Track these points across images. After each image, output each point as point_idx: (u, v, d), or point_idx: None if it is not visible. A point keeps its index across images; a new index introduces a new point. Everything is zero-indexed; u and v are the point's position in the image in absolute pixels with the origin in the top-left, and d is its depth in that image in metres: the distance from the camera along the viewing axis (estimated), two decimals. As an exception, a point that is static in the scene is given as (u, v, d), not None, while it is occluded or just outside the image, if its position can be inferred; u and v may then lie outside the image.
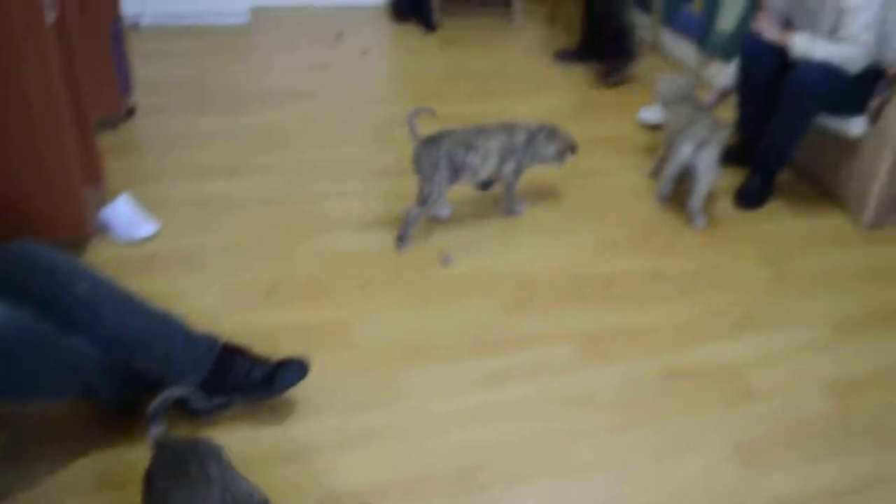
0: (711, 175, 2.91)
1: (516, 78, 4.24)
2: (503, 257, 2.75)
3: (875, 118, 3.02)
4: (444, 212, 2.91)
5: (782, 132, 3.05)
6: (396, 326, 2.39)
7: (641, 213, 3.09)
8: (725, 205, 3.19)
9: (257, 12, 4.77)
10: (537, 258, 2.76)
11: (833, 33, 2.90)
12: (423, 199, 2.65)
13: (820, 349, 2.44)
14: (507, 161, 2.77)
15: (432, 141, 2.61)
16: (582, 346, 2.36)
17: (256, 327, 2.29)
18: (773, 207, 3.20)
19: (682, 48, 4.52)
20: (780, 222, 3.11)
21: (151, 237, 2.67)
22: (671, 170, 3.01)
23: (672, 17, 4.58)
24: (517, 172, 2.85)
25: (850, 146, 3.13)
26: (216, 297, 2.43)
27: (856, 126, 3.04)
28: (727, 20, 4.10)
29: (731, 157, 3.37)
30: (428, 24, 4.70)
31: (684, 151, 2.91)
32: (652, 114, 3.67)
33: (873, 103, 2.99)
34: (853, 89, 2.96)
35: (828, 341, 2.49)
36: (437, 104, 2.84)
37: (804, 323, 2.56)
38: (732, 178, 3.31)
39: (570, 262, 2.76)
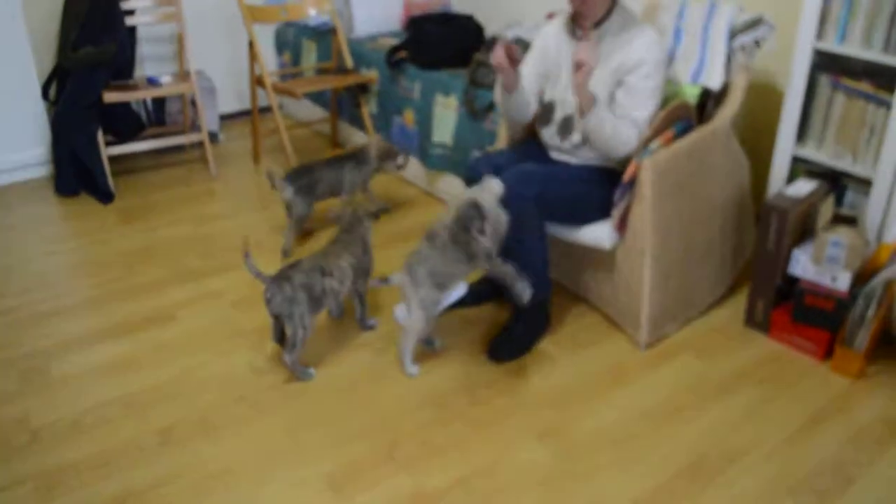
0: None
1: (225, 238, 3.26)
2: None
3: (621, 228, 2.38)
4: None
5: (516, 254, 2.33)
6: None
7: (378, 410, 2.23)
8: (482, 361, 2.40)
9: None
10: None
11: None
12: (292, 344, 2.24)
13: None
14: (360, 277, 2.45)
15: (283, 278, 2.21)
16: None
17: None
18: (547, 348, 2.46)
19: (408, 164, 3.79)
20: (552, 368, 2.37)
21: None
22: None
23: (389, 133, 3.86)
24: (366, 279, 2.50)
25: (609, 261, 2.49)
26: None
27: (606, 238, 2.41)
28: (442, 133, 3.42)
29: (481, 296, 2.63)
30: (102, 194, 3.61)
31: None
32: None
33: (615, 212, 2.36)
34: (583, 194, 2.37)
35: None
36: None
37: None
38: (493, 325, 2.56)
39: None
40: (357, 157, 3.15)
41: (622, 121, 2.28)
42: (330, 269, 2.32)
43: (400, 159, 3.16)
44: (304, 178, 3.00)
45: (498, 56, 2.24)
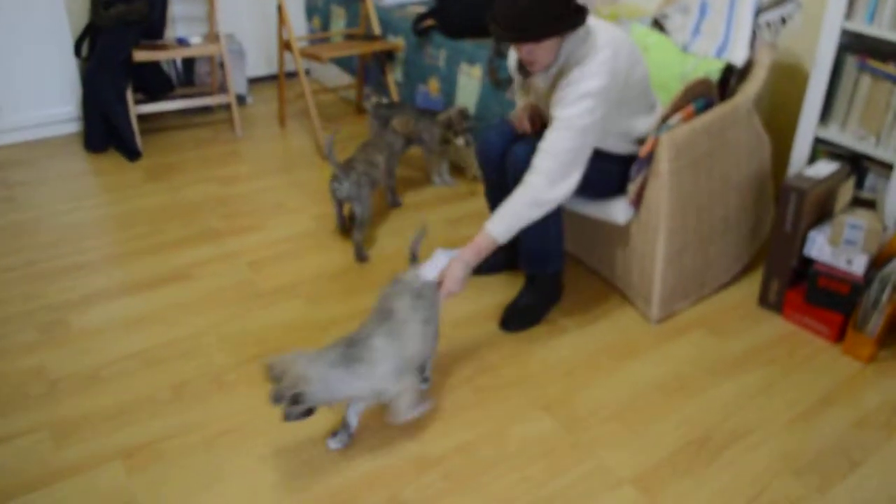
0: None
1: (247, 199, 3.24)
2: None
3: (637, 203, 2.31)
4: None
5: (531, 225, 2.26)
6: None
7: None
8: (490, 328, 2.36)
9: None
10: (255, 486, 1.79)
11: None
12: (361, 222, 2.67)
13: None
14: (391, 162, 2.95)
15: (349, 168, 2.66)
16: None
17: None
18: (558, 319, 2.41)
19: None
20: (561, 339, 2.32)
21: None
22: None
23: (413, 99, 3.79)
24: (390, 172, 3.00)
25: (623, 235, 2.42)
26: None
27: (620, 213, 2.34)
28: (465, 102, 3.35)
29: (494, 265, 2.59)
30: (130, 151, 3.60)
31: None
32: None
33: (631, 187, 2.29)
34: (598, 168, 2.23)
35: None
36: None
37: (607, 493, 1.75)
38: (505, 293, 2.51)
39: (300, 482, 1.81)
40: (433, 116, 3.17)
41: (525, 195, 2.05)
42: (376, 161, 2.76)
43: (460, 140, 3.10)
44: (384, 111, 3.24)
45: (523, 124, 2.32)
